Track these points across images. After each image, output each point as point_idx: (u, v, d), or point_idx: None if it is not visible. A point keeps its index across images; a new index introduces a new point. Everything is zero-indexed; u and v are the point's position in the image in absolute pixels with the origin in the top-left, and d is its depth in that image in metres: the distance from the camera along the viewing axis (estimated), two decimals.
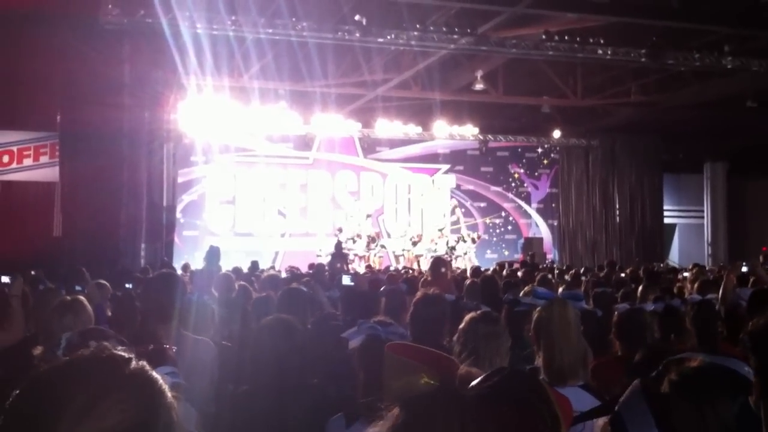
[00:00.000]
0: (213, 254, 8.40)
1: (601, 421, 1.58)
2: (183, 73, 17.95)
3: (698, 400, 1.50)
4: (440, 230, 26.25)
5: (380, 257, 24.76)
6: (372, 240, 24.61)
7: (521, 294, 6.29)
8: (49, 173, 19.24)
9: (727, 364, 1.54)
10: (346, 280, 7.86)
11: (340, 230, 24.55)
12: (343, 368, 3.89)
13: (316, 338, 4.61)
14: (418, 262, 24.27)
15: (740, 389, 1.57)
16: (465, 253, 25.50)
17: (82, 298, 4.48)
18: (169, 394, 1.28)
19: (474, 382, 1.19)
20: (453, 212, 27.54)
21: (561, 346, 3.31)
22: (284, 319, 3.71)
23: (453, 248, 25.24)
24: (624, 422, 1.49)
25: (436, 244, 25.58)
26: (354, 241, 24.05)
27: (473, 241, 26.25)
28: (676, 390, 1.50)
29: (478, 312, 3.77)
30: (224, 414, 3.65)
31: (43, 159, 19.80)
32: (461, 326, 3.62)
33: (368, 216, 26.35)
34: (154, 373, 1.29)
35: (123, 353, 1.28)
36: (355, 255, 23.81)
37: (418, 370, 1.19)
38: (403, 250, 25.41)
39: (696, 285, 8.07)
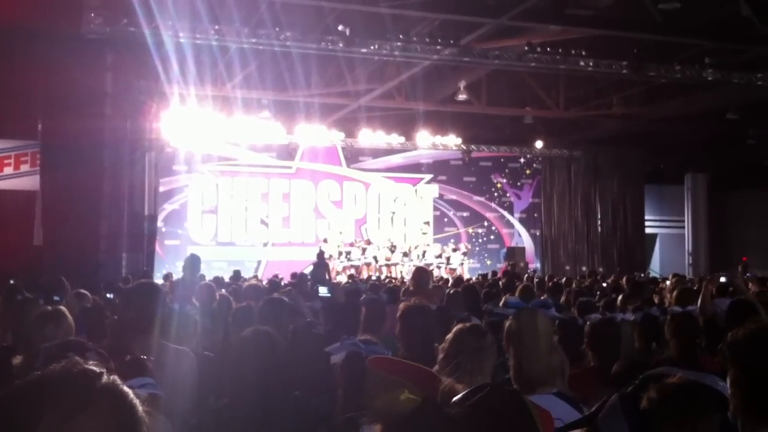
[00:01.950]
0: (193, 263, 8.34)
1: None
2: (166, 82, 17.88)
3: (678, 418, 1.50)
4: (424, 233, 26.51)
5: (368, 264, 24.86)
6: (364, 250, 24.78)
7: (500, 304, 6.32)
8: (30, 182, 19.09)
9: (704, 380, 1.55)
10: (322, 291, 7.83)
11: (325, 240, 24.59)
12: (323, 378, 3.89)
13: (295, 347, 4.60)
14: (400, 271, 24.33)
15: (718, 406, 1.58)
16: (461, 264, 25.60)
17: (62, 308, 4.44)
18: (140, 409, 1.28)
19: (456, 398, 1.18)
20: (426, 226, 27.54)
21: (529, 355, 3.32)
22: (266, 331, 3.70)
23: (447, 257, 25.44)
24: None
25: (425, 251, 25.62)
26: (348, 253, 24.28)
27: (464, 253, 26.32)
28: (656, 407, 1.51)
29: (467, 324, 3.76)
30: (207, 427, 3.63)
31: (24, 168, 19.64)
32: (448, 336, 3.61)
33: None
34: (125, 388, 1.28)
35: (95, 368, 1.28)
36: (352, 265, 24.07)
37: (399, 386, 1.18)
38: (387, 259, 25.38)
39: (674, 294, 8.10)
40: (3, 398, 1.24)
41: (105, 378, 1.26)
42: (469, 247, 27.09)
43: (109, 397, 1.25)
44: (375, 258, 24.83)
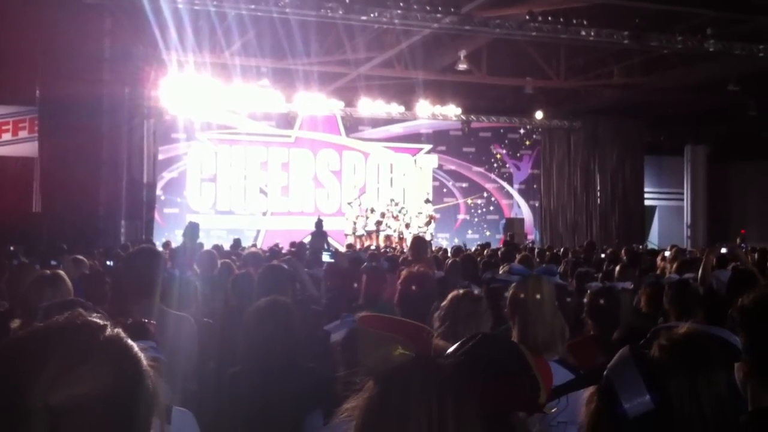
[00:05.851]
0: (192, 230, 8.30)
1: (586, 393, 1.55)
2: (164, 49, 17.76)
3: (690, 365, 1.47)
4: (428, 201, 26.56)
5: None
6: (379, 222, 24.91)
7: (500, 272, 6.28)
8: (29, 148, 19.04)
9: (717, 332, 1.51)
10: (326, 258, 7.84)
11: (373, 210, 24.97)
12: (322, 348, 3.87)
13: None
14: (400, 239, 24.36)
15: (732, 358, 1.54)
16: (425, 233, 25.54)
17: (61, 272, 4.43)
18: (145, 362, 1.27)
19: (449, 350, 1.17)
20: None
21: (535, 322, 3.30)
22: (282, 301, 3.68)
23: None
24: (614, 388, 1.45)
25: (408, 222, 25.45)
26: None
27: (427, 224, 26.03)
28: (667, 355, 1.47)
29: (461, 290, 3.75)
30: (209, 393, 3.62)
31: (22, 134, 19.57)
32: (443, 304, 3.61)
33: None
34: (130, 341, 1.27)
35: (98, 320, 1.27)
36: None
37: (392, 342, 1.16)
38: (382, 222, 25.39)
39: (675, 265, 8.10)
40: (6, 347, 1.23)
41: (109, 330, 1.25)
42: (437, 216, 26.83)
43: (113, 347, 1.23)
44: (376, 225, 24.92)
